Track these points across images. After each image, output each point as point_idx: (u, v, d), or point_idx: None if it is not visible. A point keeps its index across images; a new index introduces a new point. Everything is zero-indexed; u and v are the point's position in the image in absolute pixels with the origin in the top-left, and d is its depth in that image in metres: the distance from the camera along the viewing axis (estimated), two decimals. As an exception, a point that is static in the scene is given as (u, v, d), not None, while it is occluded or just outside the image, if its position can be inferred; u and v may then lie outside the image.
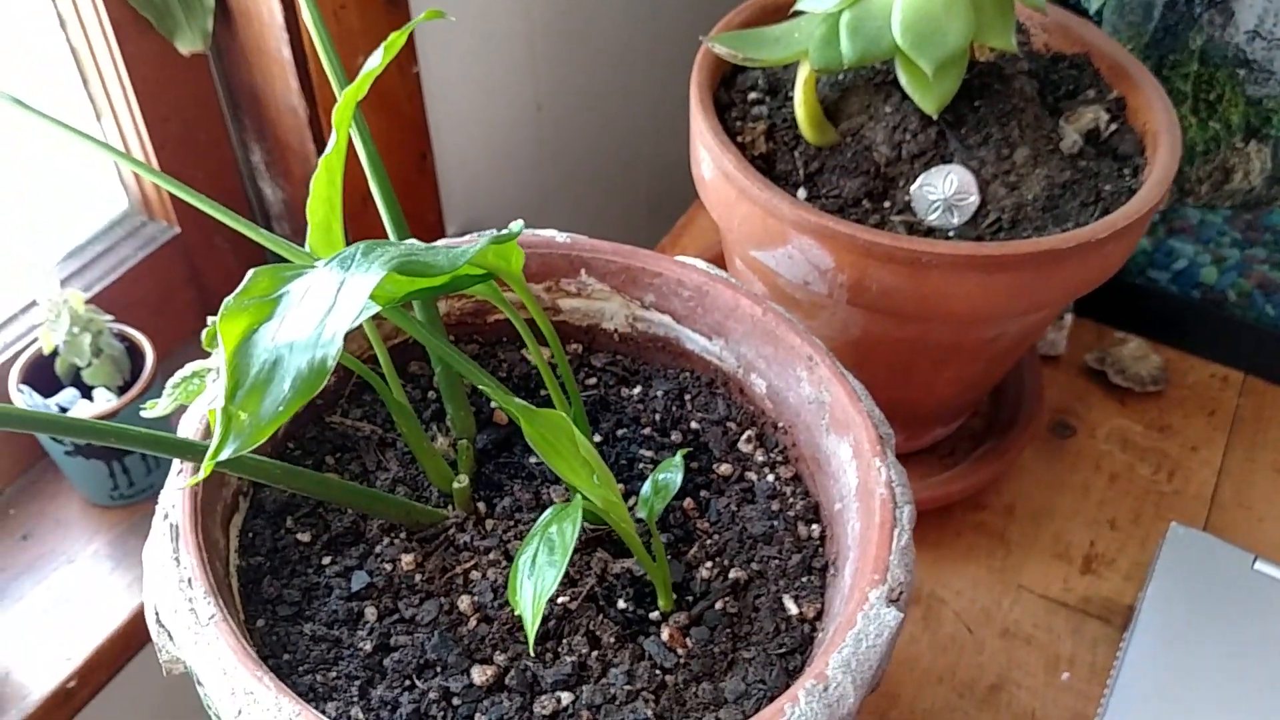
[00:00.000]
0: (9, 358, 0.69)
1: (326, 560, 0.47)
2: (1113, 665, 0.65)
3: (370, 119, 0.76)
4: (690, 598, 0.46)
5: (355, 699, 0.42)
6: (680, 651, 0.44)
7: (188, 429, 0.46)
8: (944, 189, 0.57)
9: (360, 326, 0.50)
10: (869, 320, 0.59)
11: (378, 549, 0.47)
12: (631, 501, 0.49)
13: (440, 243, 0.40)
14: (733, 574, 0.47)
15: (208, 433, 0.45)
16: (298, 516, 0.48)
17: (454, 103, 0.85)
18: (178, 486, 0.43)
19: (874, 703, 0.65)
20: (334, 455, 0.51)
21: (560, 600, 0.45)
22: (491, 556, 0.47)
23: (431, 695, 0.42)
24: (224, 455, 0.31)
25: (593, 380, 0.55)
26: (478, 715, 0.42)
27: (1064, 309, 0.81)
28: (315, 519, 0.48)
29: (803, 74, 0.58)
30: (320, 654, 0.43)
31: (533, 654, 0.43)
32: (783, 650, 0.44)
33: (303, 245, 0.43)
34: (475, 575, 0.46)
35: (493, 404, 0.53)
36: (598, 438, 0.52)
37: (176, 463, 0.45)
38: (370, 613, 0.45)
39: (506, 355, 0.56)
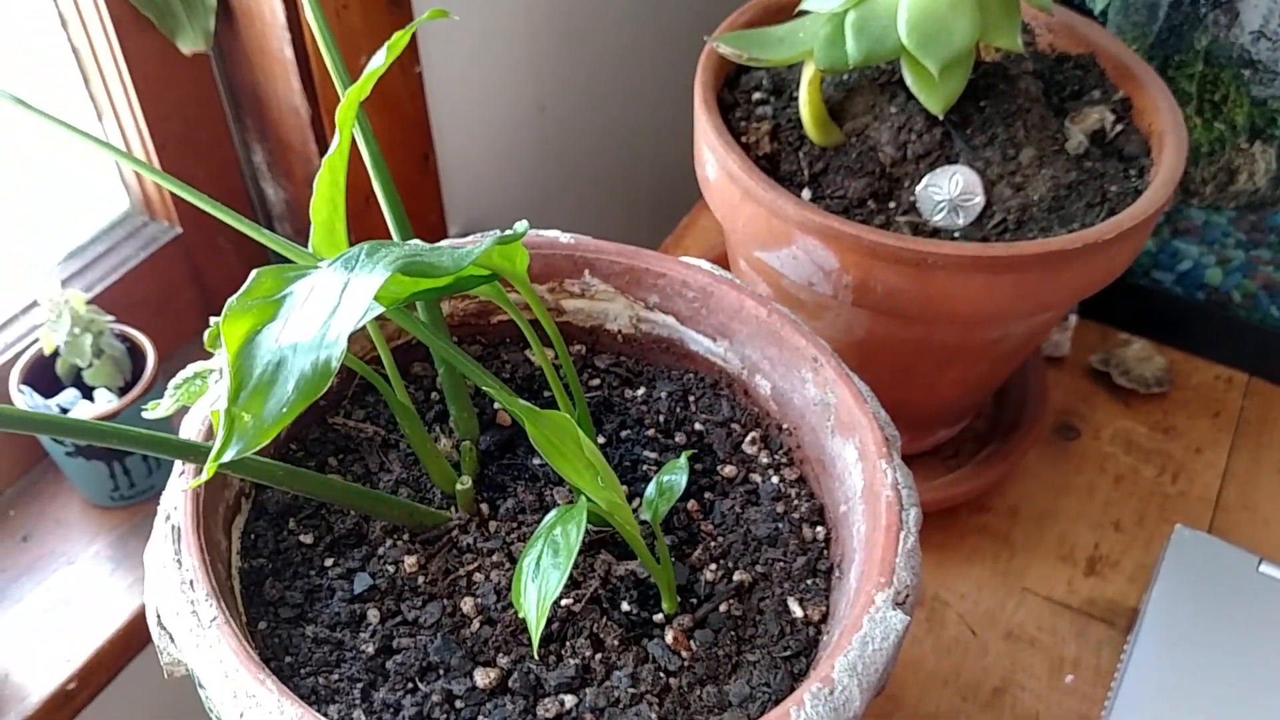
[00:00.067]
0: (10, 358, 0.69)
1: (329, 562, 0.46)
2: (1117, 668, 0.65)
3: (373, 119, 0.76)
4: (694, 600, 0.46)
5: (358, 702, 0.42)
6: (684, 654, 0.44)
7: (190, 430, 0.46)
8: (949, 189, 0.57)
9: (364, 327, 0.49)
10: (873, 321, 0.59)
11: (380, 551, 0.46)
12: (635, 503, 0.49)
13: (444, 243, 0.40)
14: (737, 576, 0.47)
15: (210, 434, 0.45)
16: (300, 518, 0.48)
17: (457, 103, 0.85)
18: (180, 488, 0.43)
19: (877, 706, 0.64)
20: (337, 457, 0.51)
21: (564, 602, 0.45)
22: (495, 558, 0.46)
23: (434, 698, 0.42)
24: (227, 457, 0.31)
25: (596, 381, 0.55)
26: (480, 718, 0.42)
27: (1068, 310, 0.81)
28: (318, 521, 0.48)
29: (807, 74, 0.58)
30: (322, 656, 0.43)
31: (536, 657, 0.43)
32: (787, 653, 0.44)
33: (305, 246, 0.42)
34: (478, 577, 0.46)
35: (496, 405, 0.53)
36: (601, 439, 0.52)
37: (178, 464, 0.44)
38: (373, 615, 0.44)
39: (510, 356, 0.55)
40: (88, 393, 0.68)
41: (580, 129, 1.02)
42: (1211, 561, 0.67)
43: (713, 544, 0.48)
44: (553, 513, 0.42)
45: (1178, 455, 0.78)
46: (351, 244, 0.35)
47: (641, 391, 0.54)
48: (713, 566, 0.47)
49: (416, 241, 0.38)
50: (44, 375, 0.68)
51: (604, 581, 0.45)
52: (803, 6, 0.58)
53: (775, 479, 0.51)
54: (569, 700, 0.42)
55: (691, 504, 0.50)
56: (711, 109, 0.60)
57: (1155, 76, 0.64)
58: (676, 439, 0.52)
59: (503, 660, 0.43)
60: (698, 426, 0.53)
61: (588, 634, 0.44)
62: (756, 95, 0.64)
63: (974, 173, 0.57)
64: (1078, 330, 0.84)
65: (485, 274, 0.42)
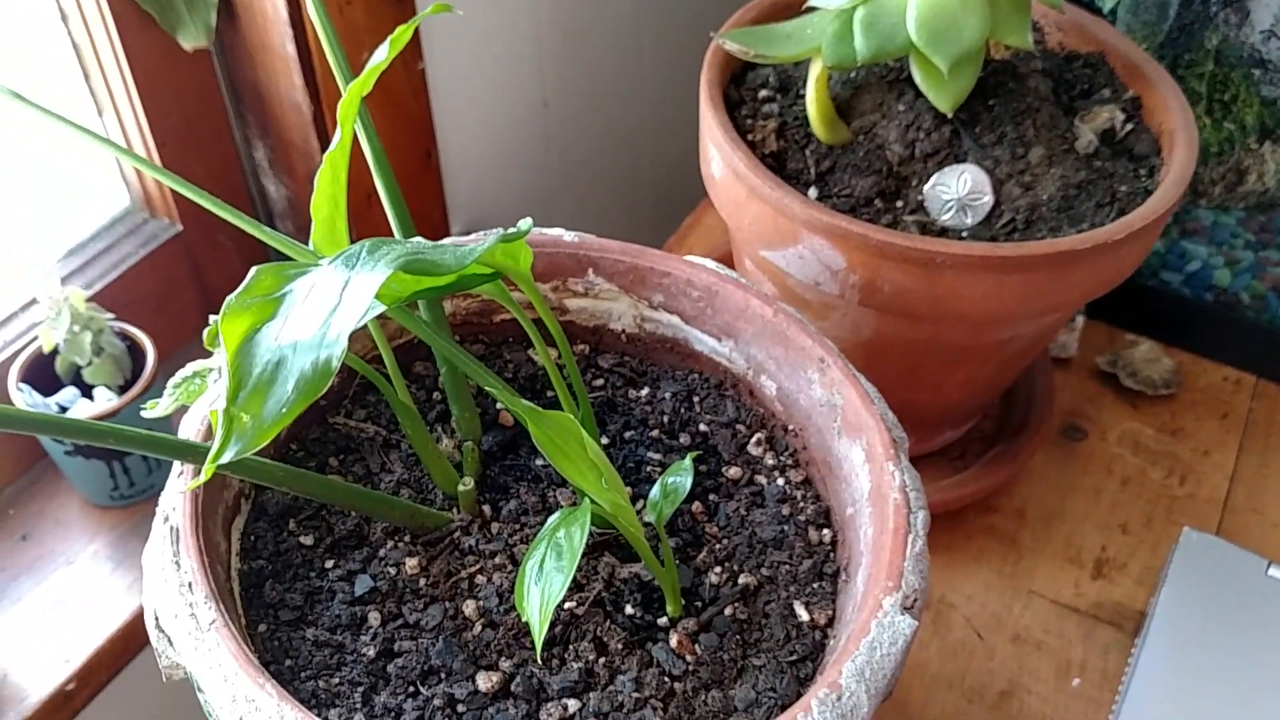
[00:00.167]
0: (9, 356, 0.68)
1: (329, 564, 0.46)
2: (1124, 671, 0.65)
3: (375, 116, 0.75)
4: (699, 603, 0.45)
5: (358, 706, 0.41)
6: (689, 658, 0.43)
7: (189, 430, 0.45)
8: (958, 188, 0.56)
9: (364, 326, 0.49)
10: (880, 321, 0.58)
11: (381, 553, 0.46)
12: (639, 505, 0.48)
13: (447, 241, 0.40)
14: (742, 579, 0.46)
15: (209, 434, 0.44)
16: (300, 519, 0.47)
17: (460, 100, 0.84)
18: (178, 489, 0.42)
19: (882, 710, 0.64)
20: (337, 457, 0.50)
21: (567, 605, 0.44)
22: (497, 560, 0.46)
23: (436, 702, 0.41)
24: (226, 458, 0.30)
25: (600, 381, 0.54)
26: (483, 723, 0.41)
27: (1077, 311, 0.81)
28: (318, 522, 0.47)
29: (815, 71, 0.58)
30: (323, 660, 0.43)
31: (539, 660, 0.43)
32: (793, 658, 0.44)
33: (306, 243, 0.42)
34: (480, 580, 0.45)
35: (498, 405, 0.52)
36: (605, 440, 0.52)
37: (177, 465, 0.44)
38: (374, 618, 0.44)
39: (513, 356, 0.55)
40: (87, 391, 0.68)
41: (584, 127, 1.02)
42: (1220, 564, 0.67)
43: (717, 547, 0.48)
44: (556, 515, 0.41)
45: (1185, 457, 0.77)
46: (353, 242, 0.35)
47: (645, 392, 0.54)
48: (717, 569, 0.47)
49: (419, 239, 0.38)
50: (43, 373, 0.68)
51: (608, 584, 0.45)
52: (810, 3, 0.58)
53: (781, 481, 0.50)
54: (572, 705, 0.41)
55: (696, 506, 0.49)
56: (717, 106, 0.60)
57: (1166, 75, 0.63)
58: (681, 440, 0.52)
59: (505, 664, 0.43)
60: (702, 427, 0.52)
61: (591, 638, 0.43)
62: (763, 93, 0.63)
63: (982, 172, 0.57)
64: (1085, 331, 0.83)
65: (488, 272, 0.42)
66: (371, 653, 0.43)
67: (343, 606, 0.44)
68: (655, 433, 0.52)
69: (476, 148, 0.89)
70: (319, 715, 0.40)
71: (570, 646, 0.43)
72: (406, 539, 0.46)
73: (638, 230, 1.18)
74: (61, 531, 0.71)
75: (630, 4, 1.00)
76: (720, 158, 0.59)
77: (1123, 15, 0.73)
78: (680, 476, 0.46)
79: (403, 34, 0.40)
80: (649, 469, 0.50)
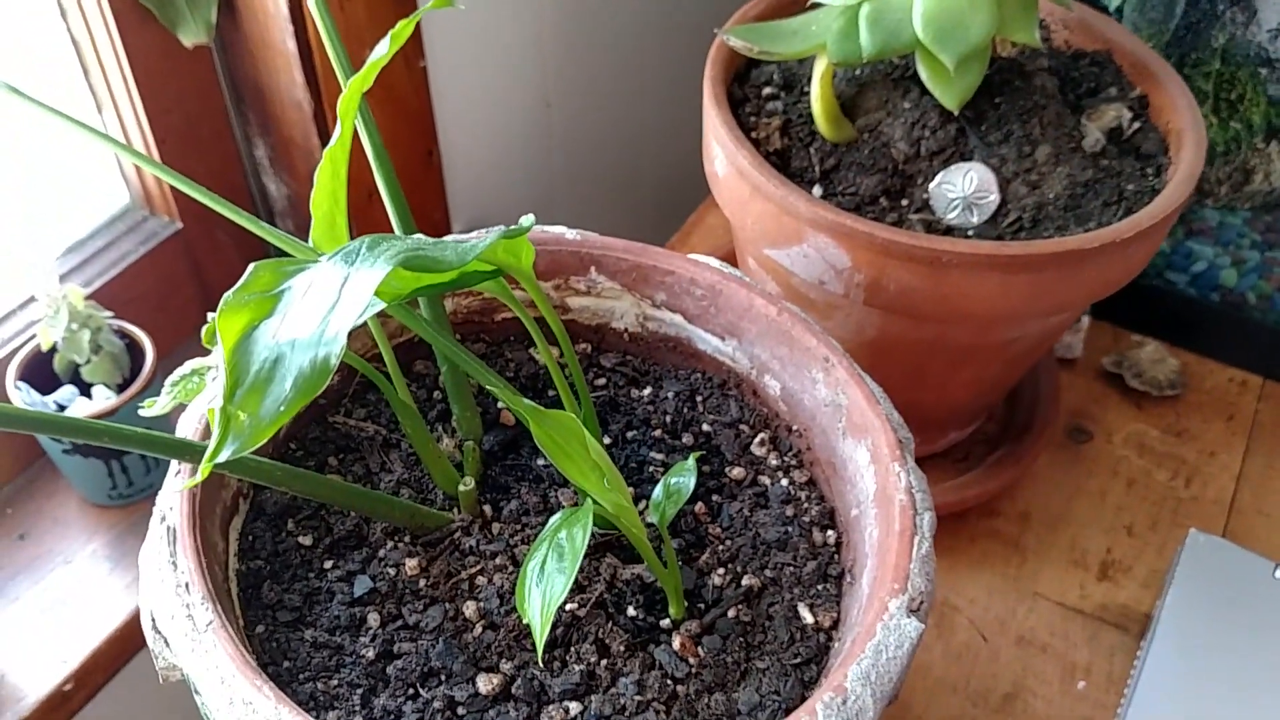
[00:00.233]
0: (7, 354, 0.68)
1: (328, 564, 0.45)
2: (1130, 674, 0.64)
3: (376, 114, 0.75)
4: (702, 605, 0.45)
5: (357, 708, 0.41)
6: (692, 661, 0.43)
7: (186, 428, 0.45)
8: (963, 187, 0.56)
9: (364, 324, 0.49)
10: (885, 321, 0.58)
11: (381, 553, 0.46)
12: (641, 506, 0.48)
13: (448, 239, 0.39)
14: (746, 581, 0.46)
15: (207, 433, 0.44)
16: (299, 519, 0.47)
17: (461, 98, 0.84)
18: (175, 488, 0.42)
19: (886, 714, 0.63)
20: (337, 456, 0.50)
21: (568, 607, 0.44)
22: (498, 561, 0.45)
23: (436, 704, 0.41)
24: (222, 457, 0.30)
25: (602, 381, 0.54)
26: (483, 726, 0.41)
27: (1083, 311, 0.80)
28: (317, 522, 0.47)
29: (820, 68, 0.57)
30: (321, 661, 0.42)
31: (540, 663, 0.42)
32: (798, 660, 0.43)
33: (306, 241, 0.41)
34: (481, 581, 0.45)
35: (500, 404, 0.52)
36: (607, 440, 0.51)
37: (174, 464, 0.43)
38: (373, 619, 0.44)
39: (514, 354, 0.54)
40: (85, 389, 0.68)
41: (586, 126, 1.01)
42: (1227, 567, 0.66)
43: (721, 548, 0.47)
44: (558, 515, 0.41)
45: (1191, 459, 0.76)
46: (353, 239, 0.34)
47: (648, 391, 0.53)
48: (721, 571, 0.46)
49: (420, 236, 0.37)
50: (41, 371, 0.67)
51: (609, 586, 0.44)
52: (815, -1, 0.57)
53: (785, 481, 0.50)
54: (574, 708, 0.41)
55: (699, 507, 0.49)
56: (721, 103, 0.59)
57: (1173, 73, 0.63)
58: (684, 440, 0.51)
59: (506, 666, 0.42)
60: (705, 427, 0.52)
61: (593, 639, 0.43)
62: (767, 90, 0.63)
63: (989, 170, 0.56)
64: (1090, 332, 0.82)
65: (490, 269, 0.41)
66: (371, 654, 0.42)
67: (342, 607, 0.44)
68: (658, 433, 0.52)
69: (478, 146, 0.89)
70: (317, 717, 0.39)
71: (572, 648, 0.43)
72: (406, 539, 0.46)
73: (640, 230, 1.17)
74: (59, 531, 0.70)
75: (633, 2, 1.00)
76: (724, 155, 0.58)
77: (1129, 13, 0.73)
78: (683, 477, 0.45)
79: (404, 29, 0.40)
80: (651, 469, 0.50)
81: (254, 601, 0.44)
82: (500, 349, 0.55)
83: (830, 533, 0.48)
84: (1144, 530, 0.72)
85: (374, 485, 0.49)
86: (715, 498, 0.49)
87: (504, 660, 0.42)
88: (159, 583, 0.40)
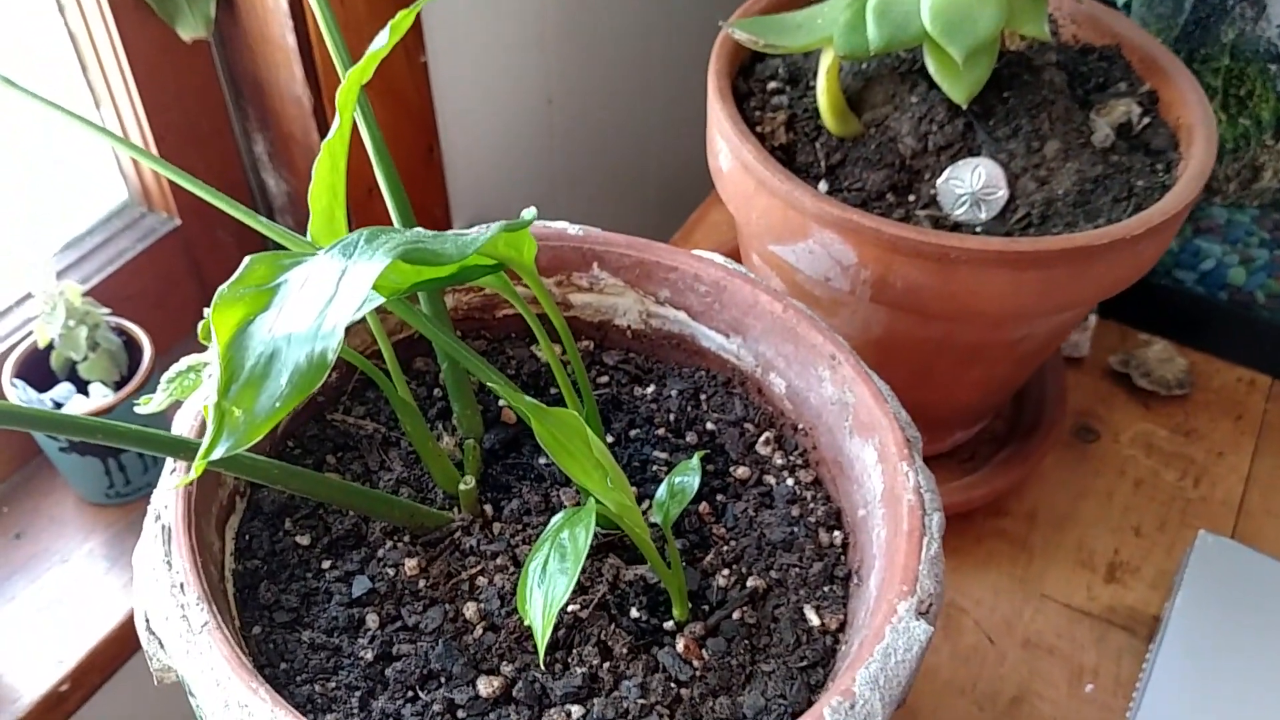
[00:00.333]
0: (3, 351, 0.67)
1: (326, 564, 0.45)
2: (1138, 677, 0.63)
3: (377, 109, 0.74)
4: (706, 607, 0.44)
5: (355, 711, 0.40)
6: (696, 663, 0.42)
7: (183, 426, 0.44)
8: (971, 182, 0.55)
9: (364, 320, 0.48)
10: (892, 318, 0.57)
11: (380, 553, 0.45)
12: (645, 505, 0.47)
13: (448, 232, 0.38)
14: (751, 582, 0.45)
15: (203, 430, 0.43)
16: (297, 518, 0.46)
17: (462, 94, 0.83)
18: (170, 486, 0.41)
19: (893, 717, 0.63)
20: (335, 454, 0.49)
21: (570, 608, 0.43)
22: (499, 562, 0.45)
23: (435, 707, 0.40)
24: (217, 454, 0.29)
25: (604, 379, 0.53)
26: (484, 729, 0.40)
27: (1091, 309, 0.79)
28: (315, 521, 0.46)
29: (826, 61, 0.56)
30: (319, 663, 0.41)
31: (542, 665, 0.41)
32: (804, 663, 0.42)
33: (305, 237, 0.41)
34: (481, 581, 0.44)
35: (501, 402, 0.51)
36: (610, 438, 0.50)
37: (170, 461, 0.43)
38: (372, 620, 0.43)
39: (515, 352, 0.54)
40: (82, 387, 0.67)
41: (588, 122, 1.01)
42: (1237, 568, 0.66)
43: (725, 548, 0.46)
44: (560, 515, 0.40)
45: (1199, 459, 0.76)
46: (351, 232, 0.33)
47: (651, 389, 0.53)
48: (725, 572, 0.45)
49: (420, 229, 0.36)
50: (38, 369, 0.67)
51: (612, 587, 0.44)
52: (821, -8, 0.56)
53: (790, 481, 0.49)
54: (575, 711, 0.40)
55: (703, 506, 0.48)
56: (726, 97, 0.59)
57: (1183, 68, 0.62)
58: (687, 439, 0.51)
59: (507, 668, 0.42)
60: (709, 426, 0.51)
61: (595, 641, 0.42)
62: (772, 84, 0.62)
63: (997, 165, 0.56)
64: (1097, 331, 0.82)
65: (491, 264, 0.41)
66: (369, 656, 0.42)
67: (340, 608, 0.43)
68: (661, 431, 0.51)
69: (480, 143, 0.88)
70: (314, 721, 0.39)
71: (574, 651, 0.42)
72: (406, 539, 0.45)
73: (643, 227, 1.17)
74: (56, 529, 0.69)
75: (636, -2, 0.99)
76: (728, 150, 0.58)
77: (1137, 8, 0.72)
78: (687, 476, 0.45)
79: (404, 19, 0.39)
80: (655, 468, 0.49)
81: (250, 602, 0.43)
82: (501, 346, 0.54)
83: (837, 533, 0.47)
84: (1152, 531, 0.72)
85: (373, 484, 0.48)
86: (720, 497, 0.49)
87: (505, 662, 0.42)
88: (153, 582, 0.39)
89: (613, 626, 0.43)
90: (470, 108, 0.85)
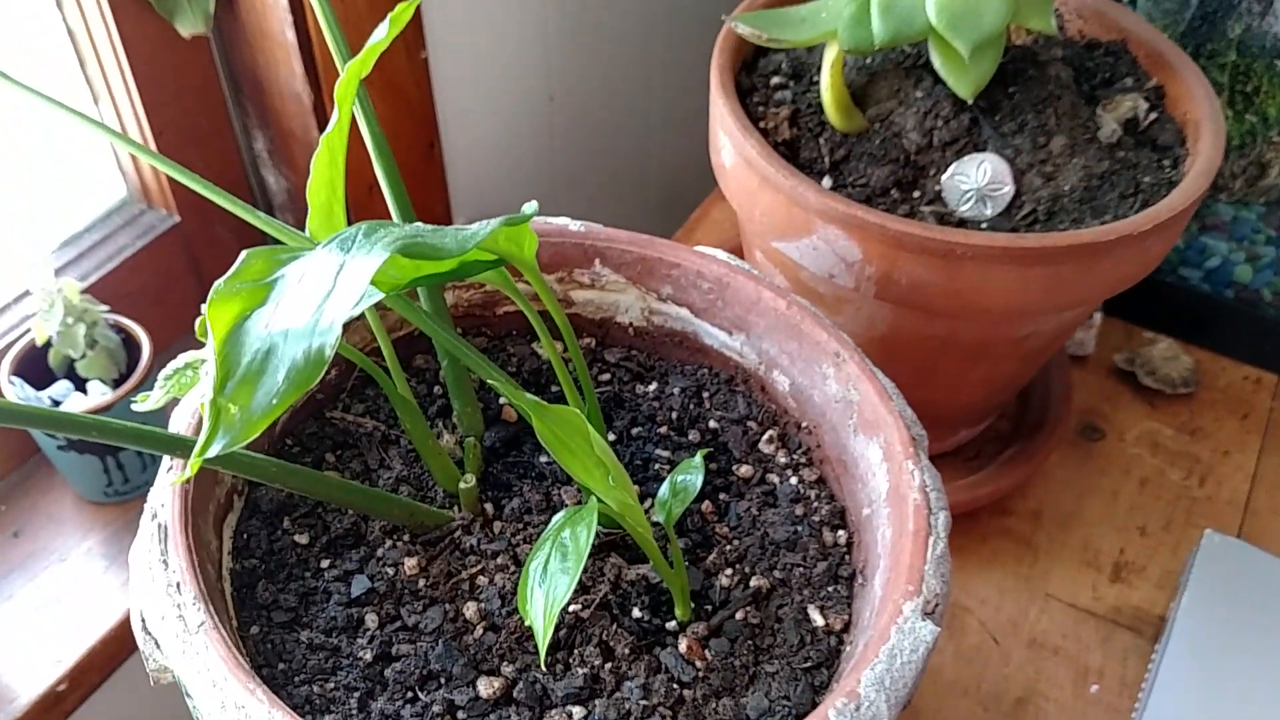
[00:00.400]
0: (1, 348, 0.67)
1: (325, 564, 0.44)
2: (1144, 678, 0.63)
3: (377, 105, 0.73)
4: (709, 607, 0.44)
5: (354, 712, 0.40)
6: (699, 664, 0.42)
7: (180, 423, 0.44)
8: (977, 178, 0.55)
9: (363, 317, 0.47)
10: (897, 316, 0.56)
11: (379, 552, 0.44)
12: (647, 504, 0.47)
13: (448, 228, 0.38)
14: (754, 582, 0.45)
15: (200, 427, 0.43)
16: (295, 517, 0.46)
17: (463, 91, 0.83)
18: (167, 484, 0.41)
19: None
20: (334, 453, 0.49)
21: (572, 608, 0.42)
22: (499, 561, 0.44)
23: (435, 708, 0.40)
24: (213, 451, 0.28)
25: (606, 376, 0.53)
26: (484, 731, 0.39)
27: (1096, 307, 0.79)
28: (314, 520, 0.46)
29: (830, 56, 0.56)
30: (318, 664, 0.41)
31: (543, 666, 0.41)
32: (808, 664, 0.42)
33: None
34: (482, 581, 0.44)
35: (502, 400, 0.51)
36: (611, 436, 0.50)
37: (166, 459, 0.42)
38: (371, 620, 0.42)
39: (516, 349, 0.53)
40: (81, 384, 0.66)
41: (590, 118, 1.00)
42: (1243, 568, 0.65)
43: (728, 548, 0.46)
44: (561, 514, 0.39)
45: (1205, 458, 0.75)
46: (349, 226, 0.33)
47: (654, 387, 0.52)
48: (728, 571, 0.45)
49: (419, 224, 0.36)
50: (36, 366, 0.66)
51: (614, 586, 0.43)
52: (825, -13, 0.56)
53: (794, 480, 0.49)
54: (577, 712, 0.40)
55: (706, 505, 0.47)
56: (729, 92, 0.58)
57: (1190, 63, 0.61)
58: (690, 437, 0.50)
59: (507, 669, 0.41)
60: (712, 424, 0.51)
61: (597, 642, 0.42)
62: (775, 79, 0.61)
63: (1003, 161, 0.55)
64: (1102, 328, 0.81)
65: (491, 259, 0.40)
66: (368, 656, 0.41)
67: (339, 608, 0.43)
68: (664, 429, 0.50)
69: (480, 139, 0.88)
70: (313, 722, 0.38)
71: (575, 651, 0.42)
72: (405, 538, 0.45)
73: (645, 224, 1.16)
74: (54, 528, 0.69)
75: (638, -6, 0.99)
76: (731, 146, 0.57)
77: (1144, 3, 0.71)
78: (690, 475, 0.44)
79: (403, 12, 0.39)
80: (657, 467, 0.49)
81: (248, 602, 0.43)
82: (502, 343, 0.54)
83: (841, 533, 0.47)
84: (1157, 530, 0.71)
85: (372, 482, 0.47)
86: (723, 496, 0.48)
87: (505, 663, 0.41)
88: (149, 582, 0.39)
89: (615, 627, 0.42)
90: (471, 104, 0.84)
